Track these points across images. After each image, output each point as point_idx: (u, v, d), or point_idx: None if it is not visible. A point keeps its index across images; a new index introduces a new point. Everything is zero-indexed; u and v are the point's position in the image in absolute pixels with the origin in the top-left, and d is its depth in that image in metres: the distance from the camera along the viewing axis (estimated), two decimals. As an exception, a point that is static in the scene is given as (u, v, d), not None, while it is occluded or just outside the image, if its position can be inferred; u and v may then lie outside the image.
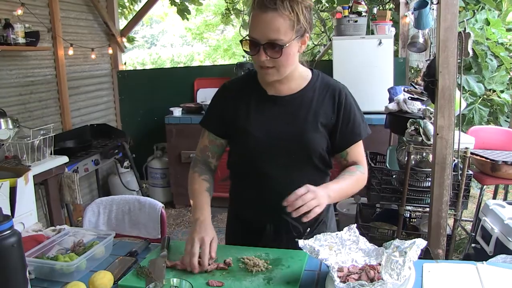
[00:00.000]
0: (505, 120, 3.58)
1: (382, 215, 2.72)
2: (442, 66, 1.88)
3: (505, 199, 3.05)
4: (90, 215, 1.76)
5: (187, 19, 5.09)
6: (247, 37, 1.13)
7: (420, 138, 2.20)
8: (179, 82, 4.26)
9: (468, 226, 3.06)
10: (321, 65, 3.86)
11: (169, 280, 0.96)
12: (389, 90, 2.86)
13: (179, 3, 4.87)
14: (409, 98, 2.46)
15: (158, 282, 0.95)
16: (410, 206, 2.42)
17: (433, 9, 2.49)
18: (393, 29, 3.35)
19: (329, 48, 4.02)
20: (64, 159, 2.57)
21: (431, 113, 2.26)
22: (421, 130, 2.21)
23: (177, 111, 3.79)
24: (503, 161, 2.46)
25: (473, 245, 2.24)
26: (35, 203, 1.59)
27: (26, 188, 1.52)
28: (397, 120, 2.53)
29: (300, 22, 1.10)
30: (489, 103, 3.58)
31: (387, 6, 4.16)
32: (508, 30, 3.63)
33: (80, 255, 1.15)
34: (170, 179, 3.94)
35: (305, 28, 1.13)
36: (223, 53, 10.28)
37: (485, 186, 2.65)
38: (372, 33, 3.38)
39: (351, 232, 1.09)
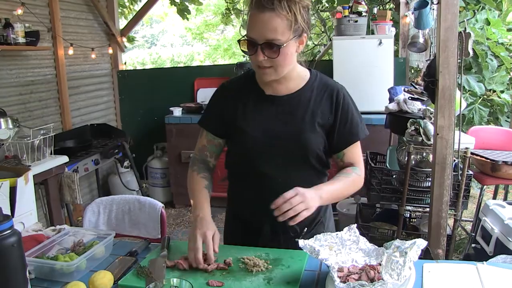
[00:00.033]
0: (506, 120, 3.58)
1: (382, 215, 2.72)
2: (442, 66, 1.88)
3: (505, 199, 3.05)
4: (90, 215, 1.76)
5: (187, 19, 5.09)
6: (245, 37, 1.13)
7: (420, 138, 2.20)
8: (179, 82, 4.26)
9: (468, 226, 3.06)
10: (321, 65, 3.85)
11: (169, 280, 0.96)
12: (389, 90, 2.86)
13: (179, 3, 4.87)
14: (409, 98, 2.46)
15: (158, 282, 0.95)
16: (410, 206, 2.42)
17: (433, 9, 2.49)
18: (393, 29, 3.35)
19: (329, 48, 4.02)
20: (64, 158, 2.57)
21: (431, 113, 2.26)
22: (421, 130, 2.21)
23: (177, 111, 3.79)
24: (503, 161, 2.46)
25: (473, 245, 2.24)
26: (35, 202, 1.59)
27: (26, 188, 1.52)
28: (397, 120, 2.52)
29: (297, 22, 1.10)
30: (489, 103, 3.58)
31: (387, 6, 4.16)
32: (509, 30, 3.63)
33: (80, 255, 1.15)
34: (170, 179, 3.94)
35: (303, 28, 1.13)
36: (223, 52, 10.28)
37: (485, 186, 2.65)
38: (372, 33, 3.38)
39: (351, 232, 1.09)
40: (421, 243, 0.98)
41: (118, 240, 1.34)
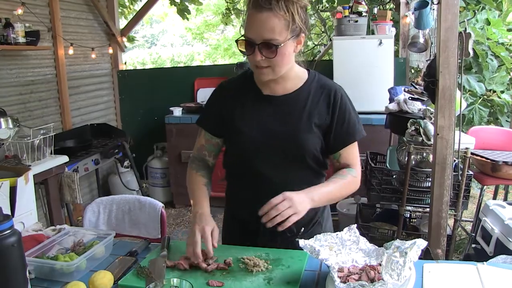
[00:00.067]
0: (506, 121, 3.58)
1: (382, 215, 2.72)
2: (442, 66, 1.88)
3: (505, 199, 3.05)
4: (90, 215, 1.76)
5: (187, 19, 5.09)
6: (243, 37, 1.13)
7: (421, 138, 2.20)
8: (179, 82, 4.26)
9: (468, 227, 3.06)
10: (322, 65, 3.85)
11: (169, 280, 0.96)
12: (389, 90, 2.86)
13: (179, 3, 4.87)
14: (410, 98, 2.46)
15: (158, 282, 0.95)
16: (410, 206, 2.42)
17: (433, 9, 2.48)
18: (393, 29, 3.35)
19: (329, 48, 4.02)
20: (64, 158, 2.57)
21: (431, 113, 2.26)
22: (421, 130, 2.20)
23: (177, 111, 3.79)
24: (503, 161, 2.46)
25: (473, 245, 2.24)
26: (35, 202, 1.59)
27: (26, 188, 1.52)
28: (398, 120, 2.52)
29: (295, 22, 1.10)
30: (489, 104, 3.58)
31: (387, 6, 4.15)
32: (509, 30, 3.63)
33: (80, 255, 1.15)
34: (170, 179, 3.94)
35: (300, 28, 1.13)
36: (223, 52, 10.28)
37: (485, 187, 2.65)
38: (373, 33, 3.38)
39: (351, 233, 1.09)
40: (421, 243, 0.98)
41: (118, 240, 1.34)
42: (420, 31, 2.66)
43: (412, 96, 2.42)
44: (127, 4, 5.36)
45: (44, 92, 3.37)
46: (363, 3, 3.28)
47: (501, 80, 3.53)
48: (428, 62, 2.38)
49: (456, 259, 2.63)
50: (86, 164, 3.11)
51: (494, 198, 3.11)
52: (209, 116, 1.33)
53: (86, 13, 3.88)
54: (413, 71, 3.71)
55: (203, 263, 1.11)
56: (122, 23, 4.57)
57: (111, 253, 1.24)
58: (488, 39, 3.44)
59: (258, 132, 1.22)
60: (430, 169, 2.13)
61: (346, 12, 3.29)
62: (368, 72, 3.24)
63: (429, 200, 2.15)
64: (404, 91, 2.59)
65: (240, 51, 1.16)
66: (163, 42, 13.30)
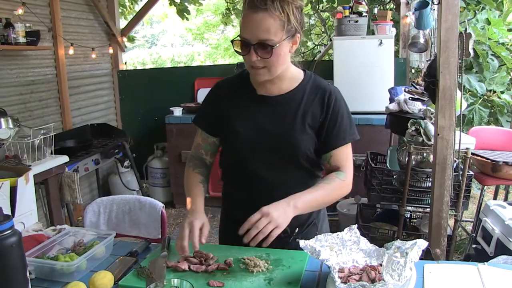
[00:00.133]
0: (507, 121, 3.58)
1: (383, 215, 2.72)
2: (443, 66, 1.87)
3: (505, 199, 3.05)
4: (91, 215, 1.76)
5: (187, 19, 5.09)
6: (238, 37, 1.13)
7: (421, 139, 2.19)
8: (180, 82, 4.26)
9: (469, 227, 3.06)
10: (322, 65, 3.85)
11: (169, 281, 0.96)
12: (389, 90, 2.86)
13: (178, 3, 4.86)
14: (410, 98, 2.46)
15: (158, 282, 0.95)
16: (411, 206, 2.42)
17: (434, 9, 2.48)
18: (393, 29, 3.35)
19: (329, 48, 4.02)
20: (65, 158, 2.57)
21: (431, 114, 2.25)
22: (421, 131, 2.20)
23: (177, 111, 3.79)
24: (503, 162, 2.46)
25: (473, 245, 2.24)
26: (35, 202, 1.59)
27: (26, 188, 1.52)
28: (398, 120, 2.52)
29: (290, 22, 1.10)
30: (489, 104, 3.58)
31: (387, 6, 4.16)
32: (509, 30, 3.63)
33: (81, 255, 1.15)
34: (170, 179, 3.94)
35: (296, 28, 1.13)
36: (223, 52, 10.28)
37: (485, 187, 2.65)
38: (373, 33, 3.38)
39: (352, 233, 1.09)
40: (422, 244, 0.97)
41: (118, 240, 1.34)
42: (421, 31, 2.66)
43: (413, 96, 2.42)
44: (128, 4, 5.36)
45: (45, 92, 3.37)
46: (363, 3, 3.28)
47: (501, 80, 3.53)
48: (429, 62, 2.38)
49: (457, 259, 2.63)
50: (86, 164, 3.11)
51: (495, 198, 3.11)
52: (205, 116, 1.33)
53: (87, 13, 3.88)
54: (413, 71, 3.71)
55: (194, 262, 1.11)
56: (122, 23, 4.57)
57: (112, 253, 1.24)
58: (489, 39, 3.44)
59: (253, 133, 1.22)
60: (431, 169, 2.13)
61: (347, 12, 3.29)
62: (368, 72, 3.24)
63: (429, 200, 2.15)
64: (405, 91, 2.59)
65: (236, 51, 1.16)
66: (163, 42, 13.31)
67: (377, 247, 1.07)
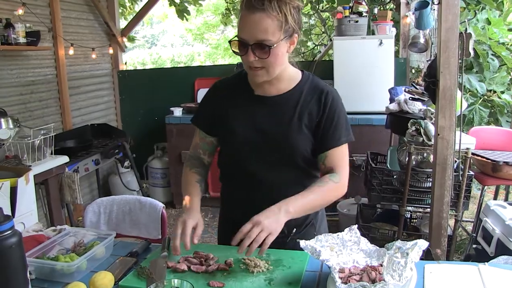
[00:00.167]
0: (507, 121, 3.58)
1: (383, 215, 2.72)
2: (443, 67, 1.87)
3: (506, 199, 3.05)
4: (91, 215, 1.76)
5: (187, 19, 5.08)
6: (236, 38, 1.13)
7: (421, 139, 2.19)
8: (180, 82, 4.26)
9: (469, 227, 3.06)
10: (322, 66, 3.85)
11: (170, 281, 0.95)
12: (389, 91, 2.86)
13: (178, 3, 4.86)
14: (410, 98, 2.46)
15: (159, 282, 0.94)
16: (411, 206, 2.42)
17: (434, 9, 2.48)
18: (394, 29, 3.35)
19: (329, 48, 4.02)
20: (65, 159, 2.57)
21: (432, 114, 2.25)
22: (422, 131, 2.20)
23: (177, 111, 3.79)
24: (504, 162, 2.46)
25: (474, 246, 2.24)
26: (36, 203, 1.59)
27: (26, 188, 1.52)
28: (398, 120, 2.52)
29: (288, 22, 1.10)
30: (489, 104, 3.58)
31: (388, 6, 4.15)
32: (510, 30, 3.63)
33: (81, 256, 1.15)
34: (171, 179, 3.94)
35: (293, 29, 1.13)
36: (223, 52, 10.28)
37: (486, 187, 2.64)
38: (373, 33, 3.38)
39: (352, 233, 1.09)
40: (423, 244, 0.97)
41: (118, 241, 1.34)
42: (421, 31, 2.66)
43: (413, 96, 2.42)
44: (128, 4, 5.36)
45: (45, 92, 3.37)
46: (363, 3, 3.28)
47: (502, 80, 3.53)
48: (429, 62, 2.38)
49: (457, 259, 2.63)
50: (86, 164, 3.10)
51: (495, 198, 3.11)
52: (203, 115, 1.34)
53: (87, 13, 3.88)
54: (413, 71, 3.71)
55: (194, 263, 1.12)
56: (123, 23, 4.57)
57: (112, 254, 1.24)
58: (489, 39, 3.44)
59: (251, 133, 1.22)
60: (431, 170, 2.13)
61: (347, 12, 3.29)
62: (368, 72, 3.24)
63: (429, 201, 2.15)
64: (405, 91, 2.59)
65: (234, 51, 1.16)
66: (163, 42, 13.31)
67: (377, 247, 1.07)
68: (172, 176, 3.87)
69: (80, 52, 3.74)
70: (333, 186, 1.19)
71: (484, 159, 2.53)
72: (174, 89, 4.24)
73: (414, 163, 2.26)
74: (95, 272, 1.08)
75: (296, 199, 1.13)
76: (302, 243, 1.02)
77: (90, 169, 3.18)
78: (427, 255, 1.90)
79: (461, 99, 2.10)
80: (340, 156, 1.23)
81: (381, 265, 0.98)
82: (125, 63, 4.58)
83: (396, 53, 3.77)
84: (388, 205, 2.63)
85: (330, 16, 4.85)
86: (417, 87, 2.47)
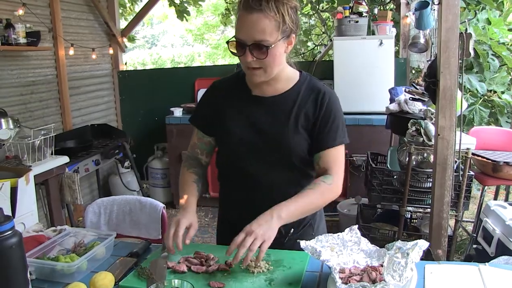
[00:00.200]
0: (506, 121, 3.58)
1: (383, 215, 2.71)
2: (443, 67, 1.87)
3: (506, 200, 3.05)
4: (91, 216, 1.76)
5: (186, 20, 5.09)
6: (233, 38, 1.13)
7: (421, 139, 2.19)
8: (180, 82, 4.26)
9: (469, 227, 3.05)
10: (322, 66, 3.85)
11: (170, 281, 0.95)
12: (390, 91, 2.86)
13: (178, 4, 4.86)
14: (410, 98, 2.46)
15: (159, 283, 0.94)
16: (411, 206, 2.42)
17: (434, 9, 2.48)
18: (394, 30, 3.35)
19: (330, 49, 4.02)
20: (65, 159, 2.57)
21: (432, 114, 2.25)
22: (422, 131, 2.20)
23: (177, 111, 3.79)
24: (504, 162, 2.46)
25: (474, 246, 2.23)
26: (36, 203, 1.59)
27: (27, 188, 1.52)
28: (398, 120, 2.52)
29: (285, 22, 1.10)
30: (489, 104, 3.58)
31: (388, 7, 4.15)
32: (510, 30, 3.63)
33: (81, 256, 1.15)
34: (171, 179, 3.94)
35: (291, 29, 1.13)
36: (223, 52, 10.28)
37: (486, 187, 2.64)
38: (373, 34, 3.38)
39: (352, 233, 1.09)
40: (423, 244, 0.97)
41: (119, 241, 1.34)
42: (421, 31, 2.66)
43: (413, 97, 2.42)
44: (128, 5, 5.37)
45: (45, 93, 3.37)
46: (363, 3, 3.28)
47: (502, 80, 3.53)
48: (429, 62, 2.38)
49: (457, 259, 2.63)
50: (86, 165, 3.11)
51: (495, 198, 3.11)
52: (201, 115, 1.34)
53: (87, 13, 3.88)
54: (413, 71, 3.71)
55: (194, 263, 1.12)
56: (123, 23, 4.58)
57: (112, 254, 1.24)
58: (490, 39, 3.44)
59: (248, 133, 1.23)
60: (431, 170, 2.13)
61: (347, 13, 3.29)
62: (368, 73, 3.24)
63: (430, 201, 2.15)
64: (405, 91, 2.59)
65: (231, 52, 1.16)
66: (163, 42, 13.31)
67: (378, 247, 1.07)
68: (172, 176, 3.87)
69: (80, 52, 3.74)
70: (326, 189, 1.18)
71: (484, 159, 2.53)
72: (174, 90, 4.24)
73: (414, 163, 2.26)
74: (95, 272, 1.08)
75: (288, 204, 1.11)
76: (303, 243, 1.02)
77: (90, 169, 3.18)
78: (428, 255, 1.90)
79: (461, 99, 2.10)
80: (335, 157, 1.22)
81: (382, 266, 0.98)
82: (125, 64, 4.58)
83: (396, 53, 3.77)
84: (389, 205, 2.63)
85: (330, 16, 4.85)
86: (417, 87, 2.47)
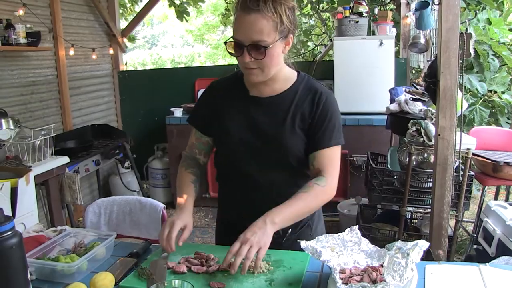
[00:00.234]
0: (506, 122, 3.57)
1: (383, 216, 2.71)
2: (443, 67, 1.87)
3: (506, 200, 3.05)
4: (91, 216, 1.76)
5: (186, 20, 5.09)
6: (231, 39, 1.13)
7: (422, 139, 2.19)
8: (180, 83, 4.26)
9: (470, 227, 3.05)
10: (322, 66, 3.85)
11: (170, 282, 0.95)
12: (390, 91, 2.86)
13: (178, 4, 4.86)
14: (411, 98, 2.46)
15: (159, 283, 0.94)
16: (412, 207, 2.42)
17: (434, 9, 2.48)
18: (394, 30, 3.35)
19: (330, 49, 4.02)
20: (65, 159, 2.57)
21: (432, 114, 2.25)
22: (422, 131, 2.20)
23: (178, 112, 3.79)
24: (504, 162, 2.46)
25: (474, 246, 2.23)
26: (36, 203, 1.59)
27: (27, 189, 1.52)
28: (398, 120, 2.52)
29: (283, 23, 1.10)
30: (490, 104, 3.57)
31: (388, 7, 4.15)
32: (510, 30, 3.63)
33: (81, 256, 1.14)
34: (171, 180, 3.94)
35: (288, 29, 1.13)
36: (224, 53, 10.29)
37: (486, 187, 2.64)
38: (373, 34, 3.38)
39: (353, 234, 1.09)
40: (423, 245, 0.97)
41: (119, 241, 1.34)
42: (421, 31, 2.66)
43: (413, 97, 2.42)
44: (128, 5, 5.37)
45: (45, 93, 3.37)
46: (363, 3, 3.28)
47: (502, 80, 3.53)
48: (429, 62, 2.38)
49: (458, 260, 2.62)
50: (86, 165, 3.11)
51: (496, 198, 3.11)
52: (199, 115, 1.34)
53: (87, 14, 3.88)
54: (414, 71, 3.71)
55: (194, 263, 1.12)
56: (123, 24, 4.58)
57: (112, 255, 1.24)
58: (490, 39, 3.44)
59: (245, 133, 1.23)
60: (431, 170, 2.13)
61: (347, 13, 3.29)
62: (368, 73, 3.24)
63: (430, 201, 2.15)
64: (405, 91, 2.59)
65: (229, 52, 1.16)
66: (163, 43, 13.32)
67: (378, 248, 1.07)
68: (173, 176, 3.87)
69: (81, 53, 3.74)
70: (320, 191, 1.16)
71: (484, 160, 2.53)
72: (175, 90, 4.24)
73: (414, 163, 2.25)
74: (95, 272, 1.08)
75: (281, 209, 1.11)
76: (303, 243, 1.02)
77: (90, 169, 3.18)
78: (428, 256, 1.90)
79: (462, 99, 2.10)
80: (330, 158, 1.21)
81: (382, 266, 0.98)
82: (126, 64, 4.58)
83: (397, 53, 3.77)
84: (389, 206, 2.63)
85: (330, 17, 4.85)
86: (418, 87, 2.47)
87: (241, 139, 1.23)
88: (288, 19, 1.12)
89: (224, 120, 1.26)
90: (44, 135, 2.39)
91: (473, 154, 2.48)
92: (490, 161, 2.50)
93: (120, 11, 4.80)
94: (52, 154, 2.51)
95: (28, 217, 1.50)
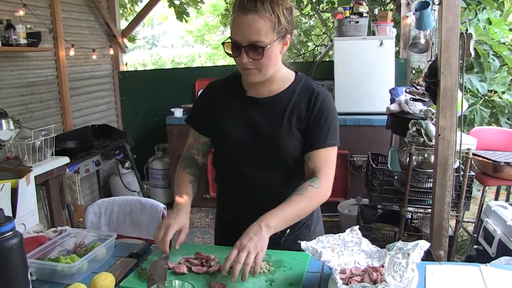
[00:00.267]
0: (506, 122, 3.57)
1: (384, 216, 2.71)
2: (444, 67, 1.87)
3: (507, 200, 3.05)
4: (92, 216, 1.76)
5: (186, 21, 5.09)
6: (229, 39, 1.13)
7: (422, 139, 2.19)
8: (180, 83, 4.26)
9: (470, 228, 3.05)
10: (322, 66, 3.85)
11: (170, 282, 0.95)
12: (390, 91, 2.86)
13: (178, 5, 4.86)
14: (411, 99, 2.46)
15: (159, 284, 0.94)
16: (412, 207, 2.42)
17: (434, 10, 2.49)
18: (394, 30, 3.35)
19: (330, 49, 4.02)
20: (65, 159, 2.57)
21: (432, 114, 2.25)
22: (422, 131, 2.20)
23: (178, 112, 3.80)
24: (505, 162, 2.46)
25: (475, 246, 2.23)
26: (36, 204, 1.59)
27: (27, 189, 1.52)
28: (399, 121, 2.52)
29: (281, 23, 1.10)
30: (490, 104, 3.57)
31: (388, 7, 4.16)
32: (511, 30, 3.63)
33: (82, 257, 1.14)
34: (171, 180, 3.93)
35: (286, 29, 1.13)
36: (224, 53, 10.27)
37: (487, 187, 2.64)
38: (373, 34, 3.38)
39: (353, 234, 1.08)
40: (424, 245, 0.97)
41: (119, 242, 1.34)
42: (421, 31, 2.66)
43: (413, 97, 2.42)
44: (128, 5, 5.37)
45: (45, 93, 3.37)
46: (363, 3, 3.28)
47: (502, 80, 3.53)
48: (429, 62, 2.38)
49: (458, 260, 2.62)
50: (87, 165, 3.11)
51: (496, 199, 3.10)
52: (197, 115, 1.34)
53: (87, 14, 3.88)
54: (414, 71, 3.71)
55: (195, 264, 1.11)
56: (123, 24, 4.58)
57: (113, 255, 1.24)
58: (491, 39, 3.44)
59: (243, 133, 1.23)
60: (432, 170, 2.13)
61: (347, 13, 3.29)
62: (369, 73, 3.24)
63: (430, 201, 2.15)
64: (405, 91, 2.59)
65: (227, 53, 1.16)
66: (163, 43, 13.33)
67: (378, 248, 1.06)
68: (173, 177, 3.83)
69: (81, 53, 3.74)
70: (314, 193, 1.15)
71: (485, 160, 2.53)
72: (175, 90, 4.24)
73: (415, 163, 2.25)
74: (96, 273, 1.07)
75: (276, 213, 1.10)
76: (303, 244, 1.01)
77: (90, 170, 3.18)
78: (428, 256, 1.89)
79: (462, 99, 2.10)
80: (325, 159, 1.20)
81: (382, 266, 0.98)
82: (126, 64, 4.58)
83: (397, 53, 3.77)
84: (389, 206, 2.63)
85: (330, 17, 4.85)
86: (418, 87, 2.47)
87: (239, 140, 1.23)
88: (286, 19, 1.12)
89: (222, 120, 1.26)
90: (45, 135, 2.39)
91: (474, 154, 2.48)
92: (490, 161, 2.50)
93: (120, 11, 4.80)
94: (52, 155, 2.51)
95: (29, 218, 1.50)
